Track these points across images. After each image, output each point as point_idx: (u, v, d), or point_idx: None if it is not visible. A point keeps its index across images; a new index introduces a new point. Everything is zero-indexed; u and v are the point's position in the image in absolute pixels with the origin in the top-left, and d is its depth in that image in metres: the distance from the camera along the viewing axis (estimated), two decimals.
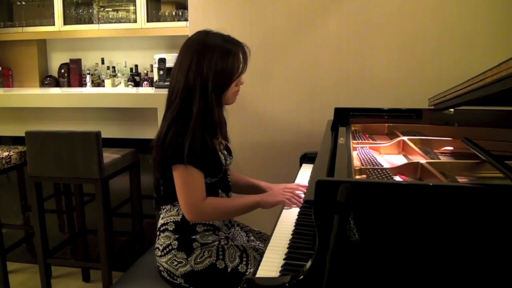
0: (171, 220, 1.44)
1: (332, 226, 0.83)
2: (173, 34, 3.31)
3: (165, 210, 1.47)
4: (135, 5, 3.35)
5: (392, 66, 2.17)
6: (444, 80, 2.07)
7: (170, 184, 1.42)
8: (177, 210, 1.43)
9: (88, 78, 3.59)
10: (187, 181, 1.35)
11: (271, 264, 1.04)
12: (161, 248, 1.43)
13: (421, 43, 2.13)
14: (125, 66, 3.60)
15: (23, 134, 2.08)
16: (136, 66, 3.56)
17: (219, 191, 1.47)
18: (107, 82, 3.51)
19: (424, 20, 2.11)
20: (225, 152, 1.49)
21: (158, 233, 1.47)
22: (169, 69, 2.81)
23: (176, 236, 1.42)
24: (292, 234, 1.17)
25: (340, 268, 0.83)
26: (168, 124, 1.36)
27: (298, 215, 1.28)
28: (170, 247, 1.41)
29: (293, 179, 1.69)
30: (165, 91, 2.37)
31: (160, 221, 1.47)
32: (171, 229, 1.43)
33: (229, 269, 1.38)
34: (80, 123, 2.51)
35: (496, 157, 1.08)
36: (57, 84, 3.68)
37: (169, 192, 1.45)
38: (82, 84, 3.64)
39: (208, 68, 1.35)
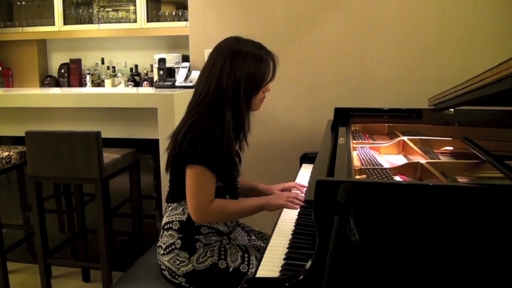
0: (176, 219, 1.44)
1: (332, 226, 0.83)
2: (173, 34, 3.30)
3: (171, 208, 1.47)
4: (135, 5, 3.35)
5: (392, 66, 2.17)
6: (444, 80, 2.07)
7: (178, 182, 1.42)
8: (183, 209, 1.43)
9: (88, 78, 3.58)
10: (200, 182, 1.35)
11: (271, 264, 1.04)
12: (164, 246, 1.43)
13: (421, 43, 2.13)
14: (125, 66, 3.60)
15: (23, 134, 2.08)
16: (136, 66, 3.56)
17: (227, 196, 1.47)
18: (107, 82, 3.50)
19: (424, 20, 2.11)
20: (237, 159, 1.49)
21: (161, 231, 1.47)
22: (169, 69, 2.81)
23: (180, 235, 1.42)
24: (292, 234, 1.17)
25: (340, 268, 0.83)
26: (191, 122, 1.36)
27: (298, 215, 1.28)
28: (173, 246, 1.41)
29: (293, 179, 1.69)
30: (165, 91, 2.39)
31: (165, 219, 1.47)
32: (176, 228, 1.43)
33: (230, 269, 1.38)
34: (80, 123, 2.51)
35: (496, 157, 1.08)
36: (57, 84, 3.67)
37: (176, 190, 1.45)
38: (82, 84, 3.63)
39: (241, 72, 1.37)
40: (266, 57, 1.42)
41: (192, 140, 1.33)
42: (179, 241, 1.41)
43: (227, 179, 1.44)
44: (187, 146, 1.34)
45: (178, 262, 1.40)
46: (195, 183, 1.36)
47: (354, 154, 1.37)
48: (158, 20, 3.37)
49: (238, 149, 1.53)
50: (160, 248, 1.45)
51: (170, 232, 1.44)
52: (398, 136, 1.53)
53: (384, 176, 1.13)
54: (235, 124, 1.40)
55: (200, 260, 1.39)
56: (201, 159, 1.33)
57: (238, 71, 1.37)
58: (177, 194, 1.45)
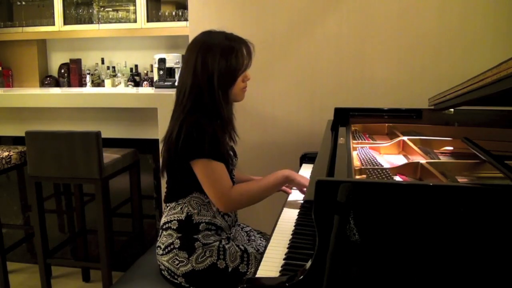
0: (175, 219, 1.44)
1: (332, 226, 0.83)
2: (173, 34, 3.31)
3: (169, 208, 1.47)
4: (135, 5, 3.35)
5: (392, 66, 2.17)
6: (444, 80, 2.07)
7: (175, 182, 1.42)
8: (181, 208, 1.43)
9: (88, 78, 3.59)
10: (209, 174, 1.37)
11: (271, 264, 1.04)
12: (162, 246, 1.43)
13: (421, 43, 2.13)
14: (125, 66, 3.60)
15: (23, 134, 2.08)
16: (136, 66, 3.56)
17: None
18: (107, 82, 3.51)
19: (424, 20, 2.11)
20: (231, 153, 1.50)
21: (160, 231, 1.47)
22: (169, 69, 2.81)
23: (179, 235, 1.42)
24: (292, 234, 1.17)
25: (340, 268, 0.83)
26: (180, 121, 1.37)
27: (298, 215, 1.28)
28: (172, 246, 1.41)
29: None
30: (165, 91, 2.39)
31: (163, 219, 1.48)
32: (174, 227, 1.43)
33: (229, 269, 1.38)
34: (80, 123, 2.51)
35: (496, 157, 1.08)
36: (57, 84, 3.67)
37: (174, 190, 1.45)
38: (82, 84, 3.64)
39: (212, 66, 1.38)
40: (238, 47, 1.41)
41: (187, 138, 1.34)
42: (177, 240, 1.41)
43: None
44: (183, 145, 1.35)
45: (177, 262, 1.40)
46: (205, 176, 1.37)
47: (354, 154, 1.37)
48: (158, 20, 3.38)
49: (231, 143, 1.54)
50: (159, 248, 1.45)
51: (169, 231, 1.44)
52: (398, 136, 1.53)
53: (384, 176, 1.13)
54: (218, 118, 1.41)
55: (199, 260, 1.39)
56: (201, 153, 1.34)
57: (210, 67, 1.38)
58: (175, 194, 1.45)
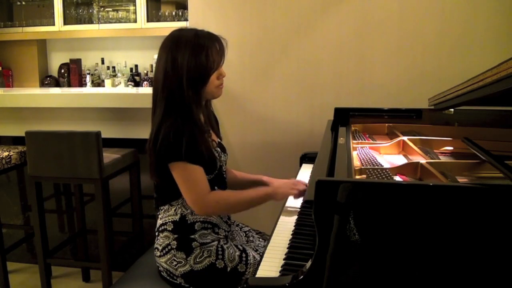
0: (170, 220, 1.44)
1: (332, 226, 0.83)
2: None
3: (163, 210, 1.47)
4: (135, 5, 3.35)
5: (392, 66, 2.17)
6: (444, 80, 2.07)
7: (166, 184, 1.42)
8: (174, 210, 1.43)
9: (88, 78, 3.59)
10: (187, 177, 1.36)
11: (271, 264, 1.04)
12: (160, 248, 1.43)
13: (421, 43, 2.13)
14: (125, 66, 3.60)
15: (23, 134, 2.08)
16: (136, 66, 3.56)
17: (216, 188, 1.47)
18: (107, 82, 3.51)
19: (424, 20, 2.11)
20: (219, 149, 1.49)
21: (157, 233, 1.47)
22: None
23: (175, 236, 1.42)
24: (292, 234, 1.17)
25: (340, 268, 0.83)
26: (158, 124, 1.36)
27: (298, 215, 1.28)
28: (169, 247, 1.41)
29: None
30: None
31: (159, 222, 1.47)
32: (170, 229, 1.43)
33: (228, 269, 1.38)
34: (80, 123, 2.51)
35: (496, 157, 1.08)
36: (57, 84, 3.67)
37: (166, 192, 1.45)
38: (82, 84, 3.64)
39: (182, 65, 1.34)
40: (208, 44, 1.37)
41: (164, 141, 1.33)
42: (174, 241, 1.41)
43: (212, 171, 1.44)
44: (160, 148, 1.34)
45: (175, 263, 1.40)
46: (182, 179, 1.36)
47: (354, 154, 1.37)
48: (158, 20, 3.38)
49: (218, 139, 1.53)
50: (156, 250, 1.45)
51: (165, 233, 1.43)
52: (398, 136, 1.53)
53: (384, 176, 1.13)
54: (191, 117, 1.38)
55: (197, 260, 1.39)
56: (177, 156, 1.33)
57: (179, 66, 1.34)
58: (167, 197, 1.45)
